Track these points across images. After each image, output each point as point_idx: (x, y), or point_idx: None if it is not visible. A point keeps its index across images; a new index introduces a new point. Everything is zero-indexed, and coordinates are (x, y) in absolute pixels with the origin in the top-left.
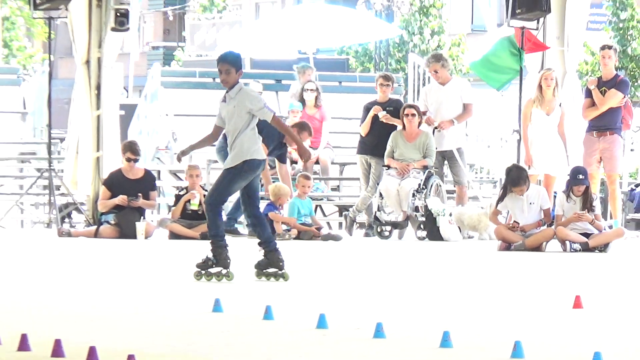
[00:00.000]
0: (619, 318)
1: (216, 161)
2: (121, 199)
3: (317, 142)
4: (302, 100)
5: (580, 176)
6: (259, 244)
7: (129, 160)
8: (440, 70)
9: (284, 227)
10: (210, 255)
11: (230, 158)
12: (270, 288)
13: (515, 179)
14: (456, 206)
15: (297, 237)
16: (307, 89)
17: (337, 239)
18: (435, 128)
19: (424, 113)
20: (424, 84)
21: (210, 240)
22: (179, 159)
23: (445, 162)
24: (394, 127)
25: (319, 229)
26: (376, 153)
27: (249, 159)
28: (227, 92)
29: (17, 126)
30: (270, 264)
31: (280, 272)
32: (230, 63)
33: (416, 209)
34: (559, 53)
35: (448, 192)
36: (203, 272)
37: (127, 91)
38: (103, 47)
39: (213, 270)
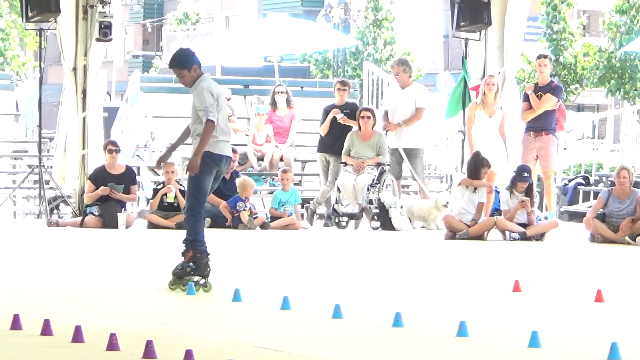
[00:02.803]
0: (553, 299)
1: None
2: (103, 189)
3: (284, 141)
4: (274, 103)
5: (526, 174)
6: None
7: (110, 151)
8: (401, 74)
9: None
10: (191, 263)
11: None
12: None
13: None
14: (407, 199)
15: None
16: (278, 92)
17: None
18: (386, 130)
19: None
20: (377, 89)
21: (189, 247)
22: (158, 165)
23: (405, 159)
24: (350, 128)
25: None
26: (334, 151)
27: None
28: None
29: (11, 127)
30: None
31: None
32: (179, 66)
33: (370, 202)
34: (499, 61)
35: (403, 186)
36: (178, 280)
37: (110, 95)
38: (88, 56)
39: (194, 278)
